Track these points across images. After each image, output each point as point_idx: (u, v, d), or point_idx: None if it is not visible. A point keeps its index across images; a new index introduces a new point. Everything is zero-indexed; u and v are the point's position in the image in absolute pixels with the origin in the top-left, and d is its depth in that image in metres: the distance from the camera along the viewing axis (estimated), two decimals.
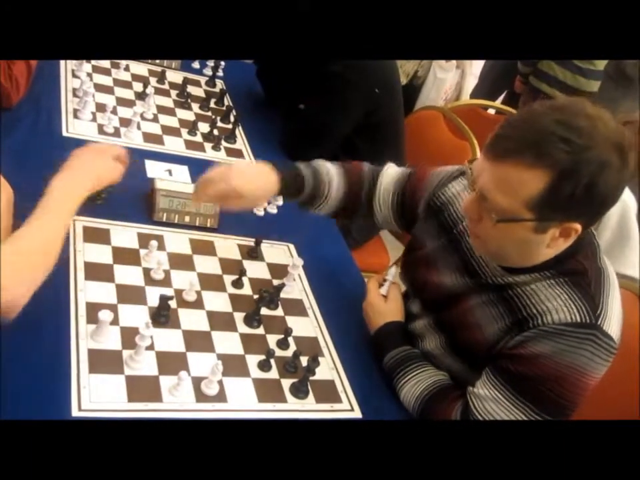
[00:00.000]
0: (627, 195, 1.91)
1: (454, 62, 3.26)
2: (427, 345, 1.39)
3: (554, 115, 1.08)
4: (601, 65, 3.33)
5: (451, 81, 3.29)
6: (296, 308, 1.48)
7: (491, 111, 3.12)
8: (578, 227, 1.12)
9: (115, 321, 1.22)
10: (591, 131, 1.06)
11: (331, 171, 1.52)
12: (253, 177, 1.42)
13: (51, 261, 1.10)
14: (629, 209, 1.90)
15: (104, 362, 1.17)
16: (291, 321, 1.44)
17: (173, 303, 1.32)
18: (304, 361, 1.31)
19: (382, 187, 1.53)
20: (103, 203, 1.47)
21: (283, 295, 1.46)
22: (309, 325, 1.45)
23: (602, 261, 1.25)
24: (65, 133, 1.70)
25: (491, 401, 1.22)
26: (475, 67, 3.77)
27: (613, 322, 1.18)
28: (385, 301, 1.46)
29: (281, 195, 1.50)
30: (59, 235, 1.14)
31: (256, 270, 1.53)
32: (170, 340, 1.27)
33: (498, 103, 3.61)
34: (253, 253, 1.57)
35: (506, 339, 1.22)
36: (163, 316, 1.28)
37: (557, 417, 1.19)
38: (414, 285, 1.48)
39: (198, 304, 1.37)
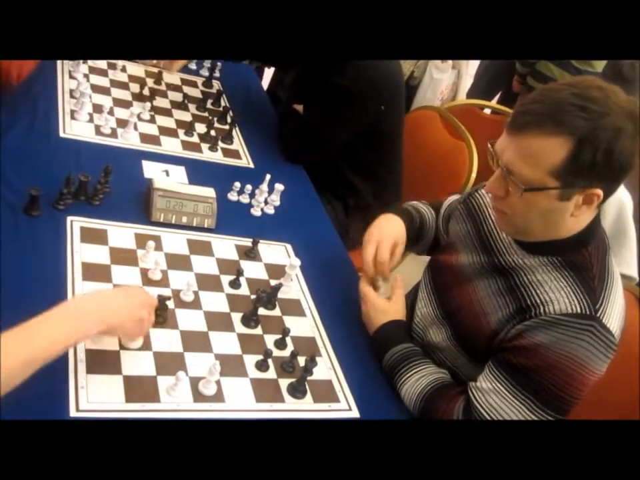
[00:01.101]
0: (624, 194, 1.92)
1: (450, 62, 3.27)
2: (434, 338, 1.41)
3: (569, 89, 1.15)
4: (599, 67, 3.33)
5: (447, 81, 3.29)
6: (293, 308, 1.48)
7: (487, 111, 3.13)
8: (600, 192, 1.16)
9: None
10: (605, 100, 1.13)
11: (421, 208, 1.68)
12: (394, 226, 1.58)
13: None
14: (625, 208, 1.91)
15: (102, 362, 1.17)
16: (289, 320, 1.44)
17: (170, 303, 1.32)
18: (301, 360, 1.31)
19: (444, 212, 1.66)
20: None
21: (280, 295, 1.46)
22: (306, 324, 1.45)
23: (609, 260, 1.29)
24: (61, 134, 1.70)
25: (493, 394, 1.23)
26: (471, 68, 3.77)
27: (613, 318, 1.20)
28: (388, 302, 1.48)
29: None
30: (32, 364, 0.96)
31: (253, 270, 1.53)
32: (168, 340, 1.27)
33: (494, 102, 3.62)
34: (251, 253, 1.57)
35: (508, 327, 1.25)
36: (160, 316, 1.28)
37: (557, 410, 1.21)
38: (432, 269, 1.53)
39: (195, 304, 1.37)
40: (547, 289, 1.23)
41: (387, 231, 1.55)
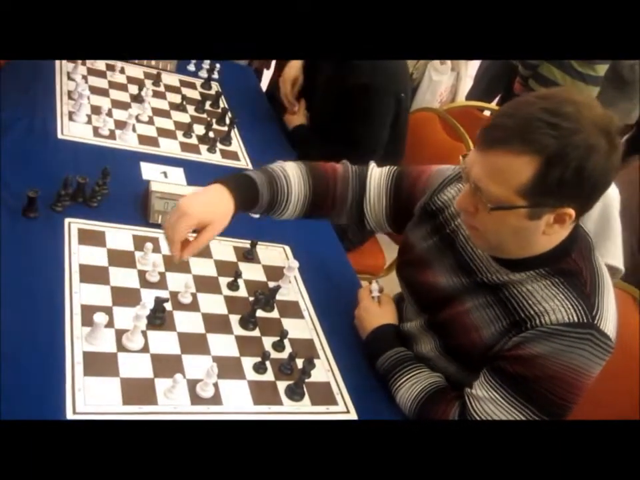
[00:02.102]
0: (610, 186, 1.91)
1: (449, 64, 3.26)
2: (422, 348, 1.39)
3: (540, 104, 1.10)
4: (601, 70, 3.34)
5: (446, 83, 3.29)
6: (291, 310, 1.48)
7: (486, 113, 3.12)
8: (571, 212, 1.13)
9: (110, 324, 1.22)
10: (577, 116, 1.08)
11: (289, 174, 1.44)
12: (208, 203, 1.32)
13: None
14: (611, 200, 1.90)
15: (99, 364, 1.17)
16: (287, 323, 1.43)
17: (168, 305, 1.32)
18: (299, 363, 1.30)
19: (372, 188, 1.50)
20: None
21: (278, 297, 1.46)
22: (304, 327, 1.45)
23: (595, 259, 1.26)
24: (60, 135, 1.70)
25: (489, 402, 1.22)
26: (471, 69, 3.77)
27: (609, 321, 1.19)
28: (378, 305, 1.47)
29: (238, 211, 1.37)
30: None
31: (251, 272, 1.53)
32: (165, 342, 1.26)
33: (493, 104, 3.62)
34: (249, 255, 1.57)
35: (504, 340, 1.22)
36: (158, 318, 1.28)
37: (554, 416, 1.20)
38: (409, 286, 1.47)
39: (193, 306, 1.37)
40: (538, 298, 1.20)
41: (197, 208, 1.29)
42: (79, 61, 1.98)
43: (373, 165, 1.55)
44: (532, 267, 1.22)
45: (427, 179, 1.47)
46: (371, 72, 1.93)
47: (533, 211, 1.13)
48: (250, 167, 1.93)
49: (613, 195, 1.91)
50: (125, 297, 1.31)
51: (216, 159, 1.90)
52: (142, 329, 1.23)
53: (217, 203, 1.33)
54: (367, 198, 1.50)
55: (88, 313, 1.22)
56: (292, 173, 1.45)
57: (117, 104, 1.92)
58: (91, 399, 1.11)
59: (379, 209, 1.50)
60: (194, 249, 1.30)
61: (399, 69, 2.07)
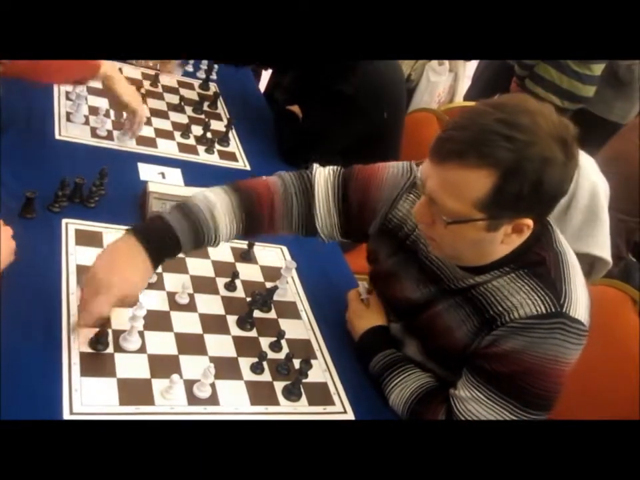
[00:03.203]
0: (598, 177, 1.91)
1: (447, 65, 3.27)
2: (408, 351, 1.39)
3: (495, 114, 1.08)
4: (597, 70, 3.34)
5: (444, 84, 3.29)
6: (289, 310, 1.48)
7: None
8: (529, 222, 1.13)
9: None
10: (532, 127, 1.06)
11: (217, 209, 1.31)
12: (125, 271, 1.20)
13: None
14: (599, 191, 1.91)
15: (96, 365, 1.17)
16: (284, 323, 1.44)
17: (165, 306, 1.33)
18: (296, 363, 1.31)
19: (320, 199, 1.40)
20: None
21: (275, 297, 1.46)
22: (301, 327, 1.45)
23: (558, 244, 1.24)
24: (57, 136, 1.70)
25: (472, 401, 1.22)
26: (469, 70, 3.77)
27: (579, 305, 1.18)
28: (367, 307, 1.46)
29: (158, 268, 1.29)
30: None
31: (249, 272, 1.53)
32: (162, 343, 1.26)
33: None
34: (246, 256, 1.57)
35: (478, 340, 1.23)
36: (100, 343, 1.19)
37: (538, 408, 1.20)
38: (382, 296, 1.47)
39: (190, 307, 1.37)
40: (505, 294, 1.19)
41: (118, 283, 1.18)
42: None
43: (315, 169, 1.44)
44: (495, 268, 1.22)
45: (379, 188, 1.39)
46: (358, 85, 1.95)
47: (491, 223, 1.12)
48: (248, 167, 1.94)
49: (600, 185, 1.92)
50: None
51: (214, 159, 1.90)
52: (139, 329, 1.23)
53: (137, 271, 1.21)
54: (317, 211, 1.40)
55: None
56: (219, 205, 1.31)
57: None
58: (88, 399, 1.11)
59: (330, 222, 1.42)
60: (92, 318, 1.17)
61: (389, 89, 2.07)
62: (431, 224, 1.18)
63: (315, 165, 1.46)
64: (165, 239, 1.25)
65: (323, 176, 1.43)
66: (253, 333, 1.38)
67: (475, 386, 1.22)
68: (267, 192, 1.38)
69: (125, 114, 1.75)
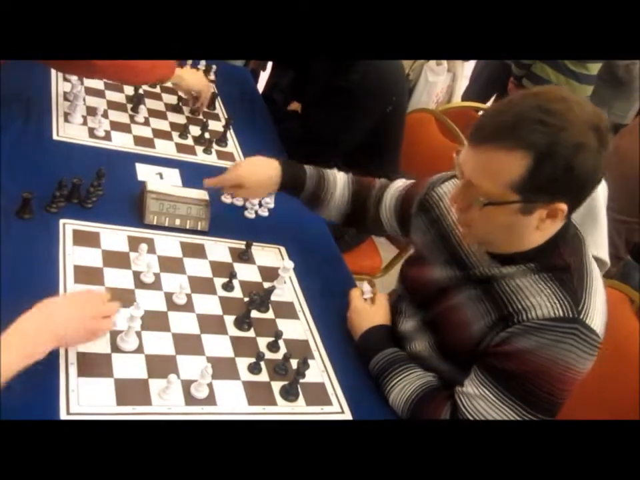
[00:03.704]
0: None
1: (445, 65, 3.27)
2: (416, 347, 1.40)
3: (530, 101, 1.12)
4: (594, 69, 3.35)
5: (442, 84, 3.30)
6: (286, 310, 1.48)
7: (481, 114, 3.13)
8: (564, 207, 1.14)
9: None
10: (565, 113, 1.09)
11: (338, 179, 1.63)
12: (257, 169, 1.60)
13: None
14: (597, 191, 1.91)
15: (93, 365, 1.17)
16: (282, 323, 1.44)
17: (163, 306, 1.33)
18: (294, 363, 1.30)
19: (388, 196, 1.61)
20: None
21: (273, 297, 1.46)
22: (299, 327, 1.45)
23: (586, 256, 1.27)
24: (55, 137, 1.70)
25: (479, 399, 1.23)
26: (467, 70, 3.78)
27: (596, 316, 1.20)
28: (370, 306, 1.47)
29: (281, 190, 1.62)
30: None
31: (246, 273, 1.53)
32: (159, 343, 1.26)
33: (488, 105, 3.62)
34: (244, 256, 1.57)
35: (491, 335, 1.24)
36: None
37: (544, 412, 1.20)
38: (407, 283, 1.50)
39: (188, 307, 1.37)
40: (527, 294, 1.21)
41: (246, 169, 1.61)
42: None
43: (400, 179, 1.65)
44: (522, 261, 1.24)
45: (426, 181, 1.52)
46: (360, 80, 1.94)
47: (526, 206, 1.14)
48: None
49: (599, 186, 1.92)
50: (119, 298, 1.31)
51: (212, 160, 1.90)
52: (136, 329, 1.23)
53: (264, 176, 1.61)
54: (382, 206, 1.62)
55: None
56: (341, 178, 1.64)
57: (113, 105, 1.92)
58: (85, 399, 1.11)
59: (390, 215, 1.61)
60: (215, 183, 1.61)
61: (391, 83, 2.07)
62: (466, 208, 1.21)
63: (401, 178, 1.65)
64: (297, 174, 1.62)
65: (401, 180, 1.64)
66: (251, 333, 1.38)
67: (483, 383, 1.23)
68: (369, 183, 1.66)
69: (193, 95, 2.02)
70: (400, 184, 1.63)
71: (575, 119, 1.09)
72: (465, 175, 1.19)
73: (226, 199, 1.74)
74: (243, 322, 1.38)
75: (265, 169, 1.60)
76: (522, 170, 1.10)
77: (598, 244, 1.93)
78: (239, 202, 1.75)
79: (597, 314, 1.20)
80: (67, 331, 1.08)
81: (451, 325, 1.32)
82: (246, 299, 1.43)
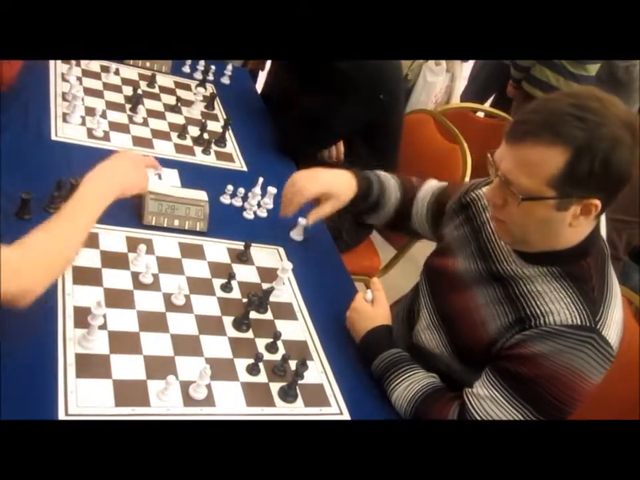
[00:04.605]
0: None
1: (444, 66, 3.27)
2: (428, 344, 1.41)
3: (567, 100, 1.15)
4: (593, 70, 3.35)
5: (441, 84, 3.30)
6: (285, 311, 1.48)
7: (480, 114, 3.13)
8: (597, 203, 1.16)
9: (103, 326, 1.22)
10: (603, 111, 1.13)
11: (389, 178, 1.66)
12: (337, 178, 1.60)
13: (64, 265, 1.17)
14: None
15: (91, 366, 1.16)
16: (280, 324, 1.43)
17: (161, 307, 1.33)
18: (293, 364, 1.31)
19: (420, 196, 1.64)
20: None
21: (272, 298, 1.46)
22: (298, 328, 1.45)
23: (609, 271, 1.29)
24: (53, 137, 1.70)
25: (489, 401, 1.23)
26: (465, 71, 3.78)
27: (612, 330, 1.21)
28: (371, 306, 1.47)
29: (356, 196, 1.60)
30: (76, 241, 1.17)
31: (245, 273, 1.53)
32: (158, 344, 1.26)
33: (487, 105, 3.62)
34: (243, 257, 1.57)
35: (506, 337, 1.24)
36: None
37: (550, 418, 1.21)
38: (429, 273, 1.51)
39: (187, 308, 1.37)
40: (546, 299, 1.23)
41: (325, 179, 1.60)
42: (74, 62, 1.98)
43: (430, 179, 1.68)
44: (549, 262, 1.25)
45: (463, 185, 1.56)
46: (356, 64, 1.94)
47: (562, 202, 1.16)
48: (245, 168, 1.93)
49: None
50: (118, 298, 1.31)
51: (210, 160, 1.90)
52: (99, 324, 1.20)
53: (346, 183, 1.59)
54: (415, 205, 1.65)
55: (81, 314, 1.22)
56: (389, 178, 1.66)
57: (112, 105, 1.92)
58: (83, 400, 1.10)
59: (421, 217, 1.64)
60: (318, 215, 1.61)
61: (388, 72, 2.07)
62: (502, 205, 1.23)
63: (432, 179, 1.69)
64: (365, 178, 1.62)
65: (433, 181, 1.68)
66: (249, 334, 1.38)
67: (494, 385, 1.23)
68: (411, 182, 1.68)
69: None
70: (431, 185, 1.66)
71: (610, 116, 1.12)
72: (501, 172, 1.20)
73: (224, 199, 1.74)
74: (241, 323, 1.38)
75: (342, 177, 1.60)
76: (560, 165, 1.12)
77: None
78: (237, 202, 1.75)
79: (613, 328, 1.21)
80: (130, 181, 1.34)
81: (466, 324, 1.33)
82: (244, 300, 1.43)
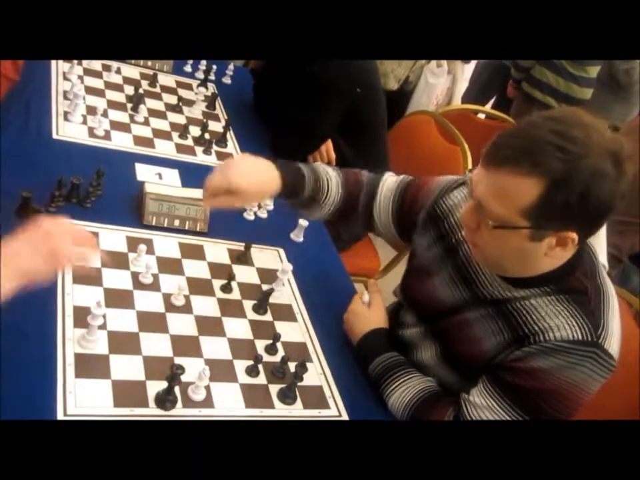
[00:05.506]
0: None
1: (445, 67, 3.27)
2: (421, 355, 1.39)
3: (550, 125, 1.09)
4: (593, 72, 3.35)
5: (442, 86, 3.30)
6: (285, 313, 1.48)
7: (481, 116, 3.14)
8: (574, 236, 1.12)
9: (102, 325, 1.22)
10: (585, 140, 1.06)
11: (329, 173, 1.50)
12: (253, 173, 1.38)
13: None
14: None
15: (90, 366, 1.16)
16: (280, 326, 1.43)
17: (161, 307, 1.32)
18: (292, 366, 1.30)
19: (382, 194, 1.51)
20: None
21: (271, 299, 1.46)
22: (297, 330, 1.45)
23: (602, 278, 1.25)
24: (54, 136, 1.70)
25: (485, 410, 1.22)
26: (467, 72, 3.78)
27: (614, 340, 1.19)
28: (368, 309, 1.46)
29: (281, 194, 1.43)
30: None
31: (245, 275, 1.53)
32: (157, 344, 1.26)
33: (488, 107, 3.63)
34: (243, 258, 1.57)
35: (505, 353, 1.22)
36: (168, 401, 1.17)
37: None
38: (409, 297, 1.47)
39: (186, 308, 1.37)
40: (542, 314, 1.19)
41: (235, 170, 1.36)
42: (75, 61, 1.98)
43: (388, 174, 1.56)
44: (535, 285, 1.22)
45: (432, 185, 1.46)
46: (324, 63, 1.95)
47: (535, 233, 1.12)
48: None
49: None
50: (118, 298, 1.31)
51: (211, 160, 1.90)
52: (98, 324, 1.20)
53: (263, 180, 1.40)
54: (376, 204, 1.51)
55: (80, 314, 1.22)
56: (331, 172, 1.51)
57: (113, 104, 1.92)
58: (82, 401, 1.10)
59: (385, 215, 1.51)
60: (214, 205, 1.44)
61: (357, 64, 2.06)
62: (476, 229, 1.19)
63: (388, 172, 1.57)
64: (295, 174, 1.45)
65: (392, 178, 1.54)
66: (249, 336, 1.37)
67: (491, 395, 1.22)
68: (357, 176, 1.54)
69: None
70: (392, 181, 1.52)
71: (594, 146, 1.06)
72: (476, 195, 1.16)
73: None
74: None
75: (262, 172, 1.40)
76: (534, 196, 1.08)
77: (596, 246, 1.93)
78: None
79: (614, 338, 1.19)
80: (25, 263, 0.98)
81: (459, 339, 1.30)
82: (244, 301, 1.42)
